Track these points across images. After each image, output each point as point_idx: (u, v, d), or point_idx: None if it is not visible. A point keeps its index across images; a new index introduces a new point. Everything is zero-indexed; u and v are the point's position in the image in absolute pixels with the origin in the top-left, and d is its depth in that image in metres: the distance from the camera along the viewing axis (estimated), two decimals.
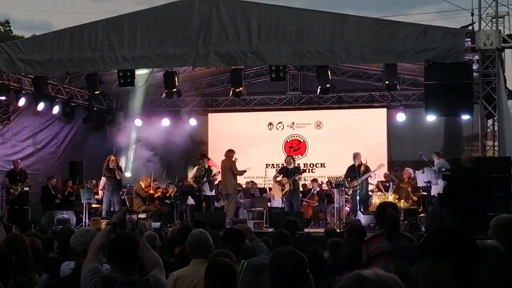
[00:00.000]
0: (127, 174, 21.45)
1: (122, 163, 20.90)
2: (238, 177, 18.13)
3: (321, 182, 20.54)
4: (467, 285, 2.62)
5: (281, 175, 17.81)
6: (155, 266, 4.83)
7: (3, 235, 7.12)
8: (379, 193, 18.41)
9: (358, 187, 17.30)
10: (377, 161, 18.63)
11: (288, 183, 17.44)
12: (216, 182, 18.95)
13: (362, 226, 7.70)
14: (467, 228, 3.07)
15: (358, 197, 17.36)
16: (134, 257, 4.62)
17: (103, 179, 18.81)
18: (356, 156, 17.68)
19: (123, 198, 19.22)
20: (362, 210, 16.97)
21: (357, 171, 17.43)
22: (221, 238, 6.56)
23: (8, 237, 6.47)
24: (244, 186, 19.87)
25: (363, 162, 17.63)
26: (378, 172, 18.41)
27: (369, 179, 17.72)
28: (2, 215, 9.06)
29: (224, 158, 17.95)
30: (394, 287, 2.28)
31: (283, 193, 17.61)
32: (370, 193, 18.26)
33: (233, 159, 17.83)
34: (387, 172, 19.46)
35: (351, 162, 17.74)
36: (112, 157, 18.86)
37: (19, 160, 18.26)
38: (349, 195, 17.67)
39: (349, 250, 6.91)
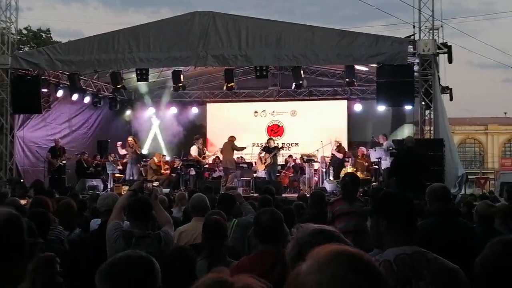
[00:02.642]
0: (144, 151, 21.37)
1: (139, 142, 20.81)
2: (235, 153, 18.15)
3: (296, 157, 20.55)
4: (402, 239, 2.65)
5: (264, 152, 17.86)
6: (166, 223, 4.87)
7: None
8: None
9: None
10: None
11: (269, 158, 17.50)
12: (213, 157, 19.04)
13: (322, 193, 7.68)
14: (408, 194, 3.10)
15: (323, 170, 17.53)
16: (148, 216, 4.66)
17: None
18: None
19: (140, 169, 19.18)
20: (327, 179, 17.07)
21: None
22: (217, 201, 6.58)
23: (35, 199, 6.45)
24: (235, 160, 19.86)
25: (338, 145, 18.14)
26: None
27: (338, 155, 17.87)
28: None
29: (226, 140, 17.88)
30: (339, 240, 2.16)
31: (265, 166, 17.66)
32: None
33: (234, 142, 17.78)
34: (347, 150, 19.50)
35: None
36: (130, 138, 18.82)
37: (59, 139, 18.22)
38: (316, 168, 17.92)
39: (313, 211, 6.90)
